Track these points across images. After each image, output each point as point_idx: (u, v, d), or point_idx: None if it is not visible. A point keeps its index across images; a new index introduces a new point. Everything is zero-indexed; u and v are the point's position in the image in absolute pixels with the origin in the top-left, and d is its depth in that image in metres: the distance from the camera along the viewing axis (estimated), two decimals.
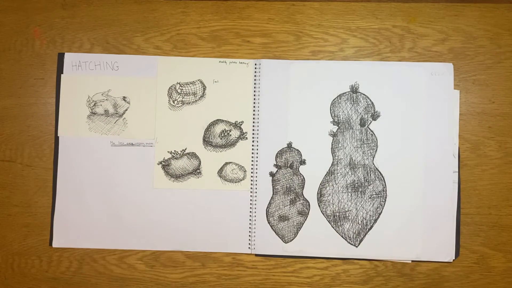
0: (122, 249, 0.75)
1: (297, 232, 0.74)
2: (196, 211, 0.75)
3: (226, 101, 0.76)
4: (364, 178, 0.74)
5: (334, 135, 0.75)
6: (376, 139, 0.74)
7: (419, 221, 0.73)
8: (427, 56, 0.75)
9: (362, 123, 0.74)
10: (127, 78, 0.76)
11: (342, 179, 0.74)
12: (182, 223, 0.75)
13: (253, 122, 0.75)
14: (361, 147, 0.74)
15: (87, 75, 0.76)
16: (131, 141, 0.76)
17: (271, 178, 0.75)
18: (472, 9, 0.75)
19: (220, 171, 0.76)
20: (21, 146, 0.76)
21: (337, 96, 0.75)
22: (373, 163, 0.74)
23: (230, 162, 0.76)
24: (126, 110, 0.76)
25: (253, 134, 0.75)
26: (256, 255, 0.74)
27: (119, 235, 0.75)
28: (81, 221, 0.75)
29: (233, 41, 0.76)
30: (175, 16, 0.76)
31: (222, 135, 0.76)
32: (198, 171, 0.76)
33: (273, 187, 0.75)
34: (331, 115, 0.75)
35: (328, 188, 0.74)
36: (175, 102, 0.76)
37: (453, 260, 0.73)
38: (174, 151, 0.76)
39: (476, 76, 0.75)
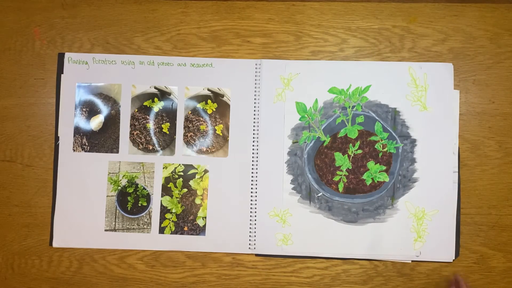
0: (122, 249, 0.75)
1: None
2: None
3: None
4: None
5: None
6: None
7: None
8: (427, 56, 0.75)
9: None
10: None
11: None
12: None
13: (253, 121, 0.75)
14: None
15: None
16: None
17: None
18: (472, 9, 0.75)
19: None
20: (21, 146, 0.76)
21: None
22: None
23: None
24: None
25: (253, 134, 0.75)
26: (256, 255, 0.74)
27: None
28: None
29: (233, 41, 0.76)
30: (175, 16, 0.76)
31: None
32: None
33: None
34: None
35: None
36: None
37: (453, 260, 0.73)
38: None
39: (476, 76, 0.74)
